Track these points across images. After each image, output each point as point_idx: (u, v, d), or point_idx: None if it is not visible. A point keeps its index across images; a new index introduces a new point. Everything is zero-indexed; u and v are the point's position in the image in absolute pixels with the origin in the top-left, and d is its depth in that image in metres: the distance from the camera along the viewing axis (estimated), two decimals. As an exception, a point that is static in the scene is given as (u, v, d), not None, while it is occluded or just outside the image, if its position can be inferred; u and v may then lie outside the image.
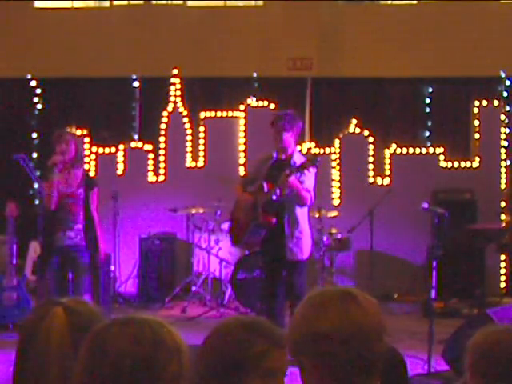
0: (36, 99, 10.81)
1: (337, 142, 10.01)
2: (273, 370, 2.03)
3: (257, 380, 1.97)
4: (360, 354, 1.83)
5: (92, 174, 9.53)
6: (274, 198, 6.35)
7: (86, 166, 9.58)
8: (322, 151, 9.89)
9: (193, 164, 10.14)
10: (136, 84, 10.75)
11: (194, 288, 9.08)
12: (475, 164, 9.91)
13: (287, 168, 6.31)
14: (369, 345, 1.84)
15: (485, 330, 2.26)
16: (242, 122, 10.07)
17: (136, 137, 10.66)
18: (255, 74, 10.49)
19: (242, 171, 9.95)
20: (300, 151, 7.00)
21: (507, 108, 10.05)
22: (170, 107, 10.16)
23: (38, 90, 10.82)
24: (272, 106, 9.97)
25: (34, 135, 10.78)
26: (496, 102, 9.98)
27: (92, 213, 6.81)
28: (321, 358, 1.84)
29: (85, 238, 6.75)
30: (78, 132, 10.03)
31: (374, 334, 1.86)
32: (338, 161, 9.95)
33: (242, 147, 10.06)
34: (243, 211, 6.63)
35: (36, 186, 9.80)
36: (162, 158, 10.15)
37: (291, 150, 6.54)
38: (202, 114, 10.14)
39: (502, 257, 9.74)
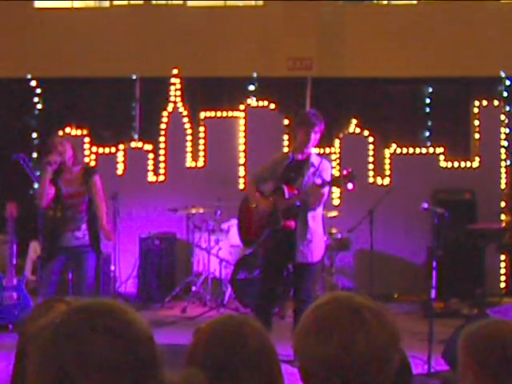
0: (36, 99, 10.81)
1: (337, 142, 10.00)
2: None
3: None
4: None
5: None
6: (298, 203, 6.29)
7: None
8: (322, 151, 9.88)
9: (193, 164, 10.13)
10: (136, 84, 10.75)
11: (194, 288, 9.08)
12: (475, 164, 9.91)
13: (315, 175, 6.23)
14: (368, 376, 1.72)
15: (476, 324, 2.24)
16: (241, 122, 10.06)
17: (136, 137, 10.66)
18: (255, 74, 10.49)
19: (242, 171, 9.95)
20: (317, 153, 6.91)
21: (507, 108, 10.05)
22: (170, 107, 10.16)
23: (38, 90, 10.81)
24: (272, 106, 9.96)
25: (34, 135, 10.78)
26: (496, 102, 9.98)
27: (97, 203, 6.68)
28: (319, 381, 1.74)
29: (88, 235, 6.69)
30: (78, 132, 10.05)
31: (377, 366, 1.73)
32: (338, 161, 9.94)
33: (241, 147, 10.05)
34: (258, 214, 6.54)
35: (36, 186, 9.79)
36: (162, 158, 10.15)
37: (308, 151, 6.43)
38: (202, 114, 10.13)
39: (502, 257, 9.74)
